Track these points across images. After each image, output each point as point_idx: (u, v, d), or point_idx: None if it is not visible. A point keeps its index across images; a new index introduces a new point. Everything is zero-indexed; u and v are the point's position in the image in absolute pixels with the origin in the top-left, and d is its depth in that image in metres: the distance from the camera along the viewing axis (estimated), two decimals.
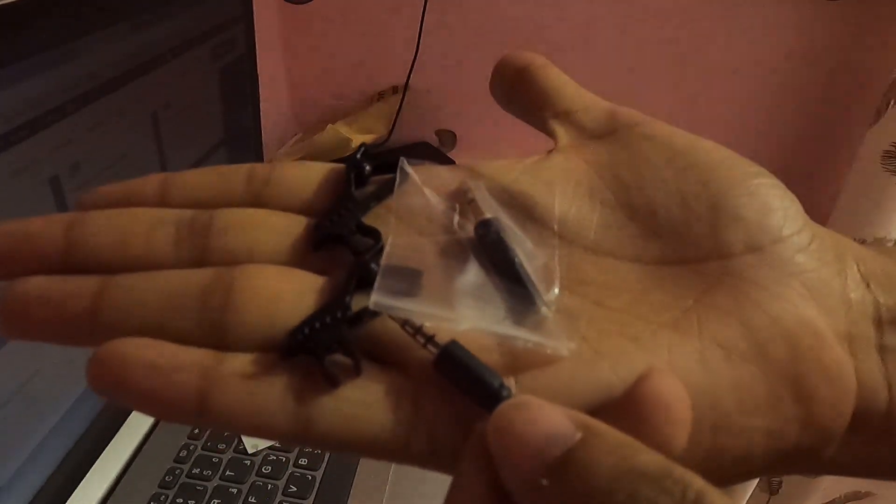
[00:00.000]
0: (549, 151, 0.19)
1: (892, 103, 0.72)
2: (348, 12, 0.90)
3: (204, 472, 0.43)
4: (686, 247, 0.16)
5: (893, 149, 0.73)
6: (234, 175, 0.17)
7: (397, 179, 0.17)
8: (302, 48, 0.95)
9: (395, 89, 0.94)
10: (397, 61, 0.90)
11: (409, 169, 0.17)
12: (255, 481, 0.43)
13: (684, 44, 0.84)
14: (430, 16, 0.86)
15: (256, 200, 0.17)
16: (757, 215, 0.16)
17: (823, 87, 0.83)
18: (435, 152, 0.95)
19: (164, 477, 0.42)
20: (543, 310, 0.14)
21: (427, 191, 0.17)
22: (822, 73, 0.82)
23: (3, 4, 0.29)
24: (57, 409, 0.39)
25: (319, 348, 0.13)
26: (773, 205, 0.16)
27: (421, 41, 0.88)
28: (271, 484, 0.43)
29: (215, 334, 0.14)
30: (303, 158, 0.84)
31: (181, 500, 0.41)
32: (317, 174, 0.17)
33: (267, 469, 0.43)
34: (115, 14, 0.38)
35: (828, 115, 0.84)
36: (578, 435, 0.11)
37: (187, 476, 0.43)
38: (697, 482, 0.11)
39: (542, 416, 0.12)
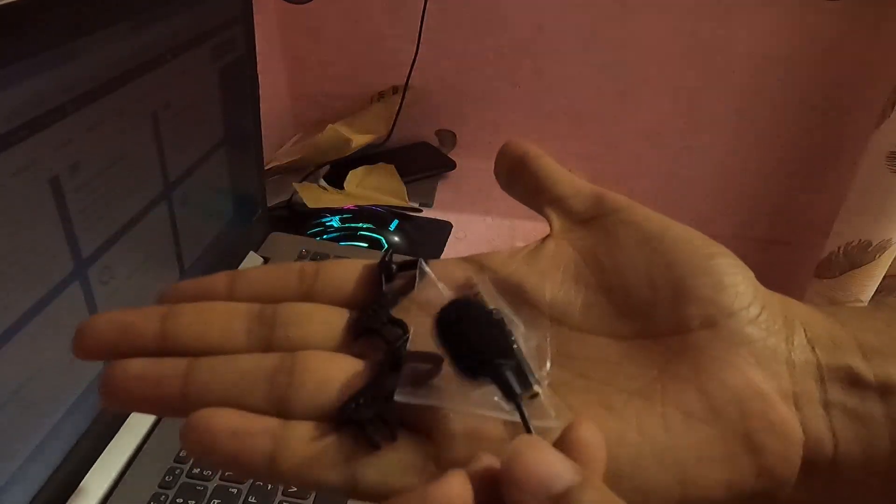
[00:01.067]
0: (544, 238, 0.22)
1: None
2: (348, 12, 0.90)
3: (204, 472, 0.43)
4: (653, 323, 0.19)
5: None
6: (288, 273, 0.21)
7: (417, 277, 0.21)
8: (302, 48, 0.95)
9: (395, 89, 0.94)
10: (397, 61, 0.90)
11: (427, 268, 0.21)
12: (254, 481, 0.43)
13: (685, 44, 0.84)
14: (430, 16, 0.86)
15: (308, 295, 0.20)
16: (711, 293, 0.18)
17: (828, 88, 0.82)
18: (435, 152, 0.95)
19: (164, 477, 0.42)
20: (536, 388, 0.17)
21: (441, 285, 0.20)
22: (826, 74, 0.82)
23: (3, 4, 0.29)
24: (57, 409, 0.39)
25: (363, 420, 0.17)
26: (725, 283, 0.18)
27: (421, 41, 0.88)
28: (271, 484, 0.43)
29: (281, 406, 0.18)
30: (303, 158, 0.84)
31: (181, 500, 0.41)
32: (354, 271, 0.21)
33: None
34: (115, 14, 0.38)
35: (833, 116, 0.84)
36: (578, 478, 0.14)
37: (187, 476, 0.43)
38: None
39: (552, 456, 0.14)
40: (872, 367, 0.18)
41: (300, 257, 0.64)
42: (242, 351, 0.19)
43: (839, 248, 0.82)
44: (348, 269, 0.21)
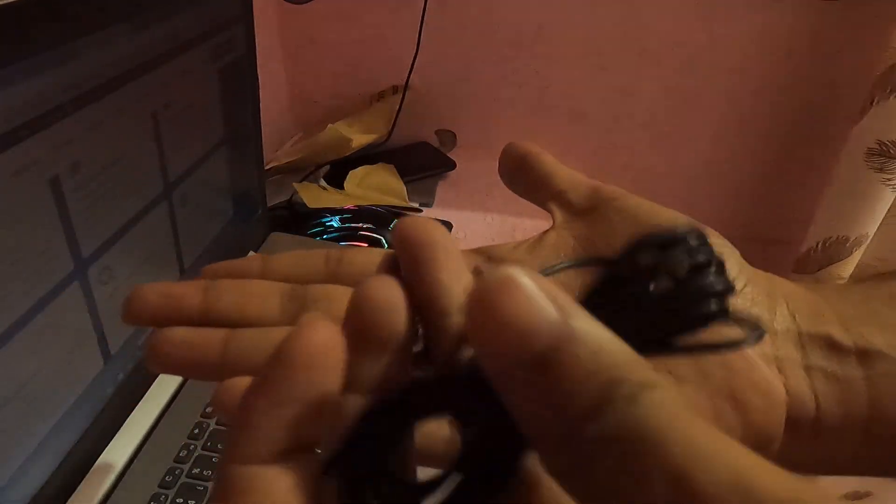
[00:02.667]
0: (546, 230, 0.23)
1: (875, 101, 0.72)
2: (348, 12, 0.90)
3: (204, 472, 0.43)
4: None
5: (878, 146, 0.73)
6: (316, 258, 0.22)
7: None
8: (302, 48, 0.95)
9: (395, 89, 0.94)
10: (397, 61, 0.90)
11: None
12: None
13: (682, 44, 0.84)
14: (430, 16, 0.86)
15: (333, 277, 0.22)
16: None
17: (807, 85, 0.83)
18: (435, 152, 0.95)
19: (164, 477, 0.42)
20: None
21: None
22: (805, 72, 0.82)
23: (3, 4, 0.29)
24: (57, 409, 0.39)
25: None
26: None
27: (421, 41, 0.88)
28: None
29: None
30: (303, 158, 0.84)
31: (181, 500, 0.41)
32: (376, 258, 0.22)
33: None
34: (115, 14, 0.38)
35: (812, 113, 0.84)
36: (565, 329, 0.11)
37: (187, 476, 0.43)
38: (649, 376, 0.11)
39: (529, 302, 0.11)
40: (851, 334, 0.19)
41: None
42: (276, 325, 0.20)
43: (818, 244, 0.82)
44: (370, 256, 0.22)
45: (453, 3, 0.86)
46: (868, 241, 0.81)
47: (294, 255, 0.22)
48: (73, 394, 0.40)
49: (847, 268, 0.83)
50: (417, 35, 0.87)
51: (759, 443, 0.18)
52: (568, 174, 0.24)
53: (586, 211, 0.23)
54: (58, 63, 0.34)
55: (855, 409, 0.18)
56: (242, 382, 0.18)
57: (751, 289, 0.20)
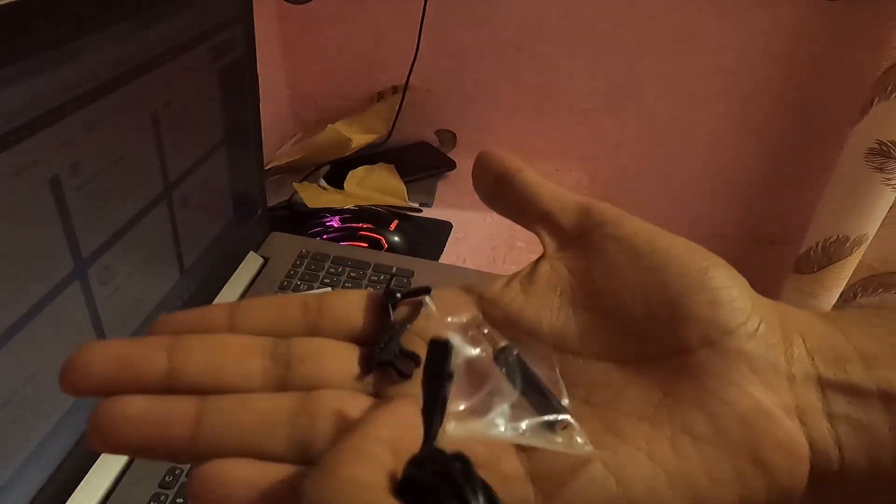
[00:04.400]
0: (538, 260, 0.22)
1: (876, 101, 0.72)
2: (348, 12, 0.90)
3: None
4: (652, 345, 0.19)
5: (877, 146, 0.73)
6: (291, 306, 0.20)
7: (423, 307, 0.21)
8: (302, 48, 0.95)
9: (395, 89, 0.94)
10: (397, 61, 0.90)
11: (432, 304, 0.21)
12: None
13: (682, 43, 0.84)
14: (430, 16, 0.86)
15: (313, 329, 0.19)
16: (708, 311, 0.18)
17: (808, 85, 0.83)
18: (435, 152, 0.95)
19: (164, 477, 0.42)
20: (570, 419, 0.17)
21: (448, 320, 0.20)
22: (807, 71, 0.82)
23: (3, 4, 0.29)
24: (57, 409, 0.39)
25: (391, 358, 0.18)
26: (721, 299, 0.18)
27: (421, 41, 0.88)
28: None
29: (304, 452, 0.16)
30: (303, 158, 0.84)
31: (181, 500, 0.41)
32: (358, 303, 0.20)
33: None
34: (115, 14, 0.38)
35: (812, 113, 0.84)
36: None
37: (187, 476, 0.43)
38: None
39: None
40: (874, 376, 0.18)
41: (300, 257, 0.64)
42: (257, 390, 0.18)
43: (817, 244, 0.83)
44: (352, 302, 0.20)
45: (453, 3, 0.86)
46: (868, 241, 0.81)
47: (266, 302, 0.20)
48: None
49: (847, 268, 0.83)
50: (417, 35, 0.87)
51: (780, 498, 0.17)
52: (553, 193, 0.22)
53: (578, 236, 0.21)
54: (58, 63, 0.34)
55: (882, 459, 0.17)
56: (226, 468, 0.15)
57: (764, 328, 0.18)
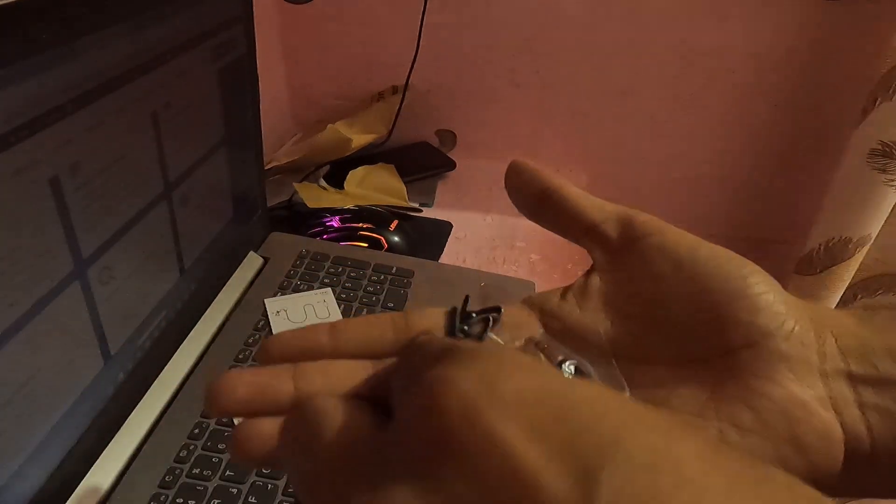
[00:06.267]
0: (588, 272, 0.24)
1: (878, 101, 0.72)
2: (348, 12, 0.90)
3: (204, 472, 0.43)
4: (698, 348, 0.21)
5: (880, 147, 0.73)
6: (381, 325, 0.22)
7: (490, 325, 0.22)
8: (302, 48, 0.95)
9: (395, 89, 0.94)
10: (397, 61, 0.90)
11: (500, 321, 0.22)
12: (255, 481, 0.43)
13: (683, 43, 0.84)
14: (430, 16, 0.86)
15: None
16: (749, 316, 0.20)
17: (809, 86, 0.83)
18: (435, 152, 0.95)
19: (164, 477, 0.42)
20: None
21: (507, 337, 0.22)
22: (807, 73, 0.82)
23: (2, 4, 0.29)
24: (57, 409, 0.39)
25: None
26: (760, 304, 0.20)
27: (421, 41, 0.88)
28: (271, 484, 0.43)
29: None
30: (303, 158, 0.84)
31: (181, 500, 0.41)
32: (438, 318, 0.22)
33: (267, 469, 0.43)
34: (115, 14, 0.38)
35: (815, 114, 0.84)
36: None
37: (187, 476, 0.43)
38: None
39: None
40: None
41: (300, 257, 0.64)
42: None
43: (820, 245, 0.83)
44: (432, 318, 0.23)
45: (453, 3, 0.86)
46: (871, 241, 0.81)
47: (361, 322, 0.23)
48: (73, 394, 0.40)
49: (849, 269, 0.83)
50: (417, 35, 0.87)
51: (818, 479, 0.19)
52: (596, 205, 0.24)
53: (624, 247, 0.23)
54: (58, 63, 0.34)
55: None
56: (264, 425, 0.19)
57: (799, 329, 0.20)
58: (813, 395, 0.19)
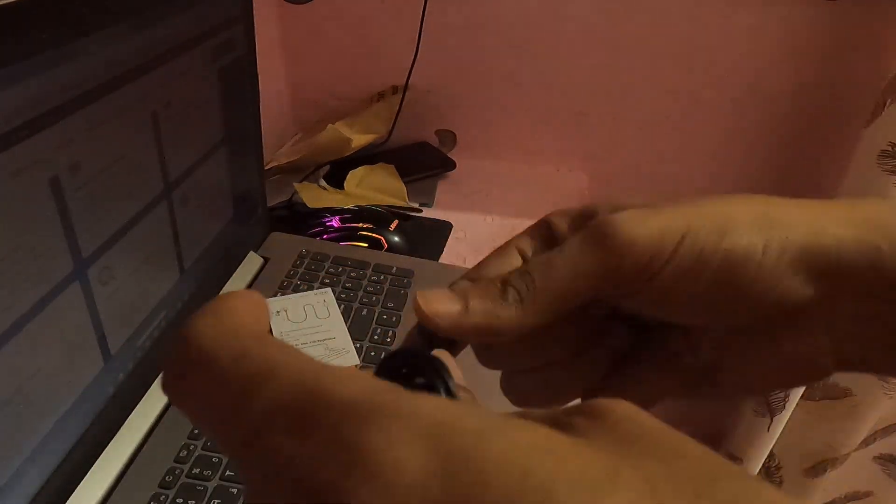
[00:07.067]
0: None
1: (888, 103, 0.72)
2: (348, 12, 0.90)
3: (204, 472, 0.43)
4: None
5: (890, 148, 0.73)
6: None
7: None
8: (302, 48, 0.95)
9: (395, 89, 0.94)
10: (397, 61, 0.90)
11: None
12: None
13: (684, 44, 0.84)
14: (430, 16, 0.86)
15: None
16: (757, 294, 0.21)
17: (820, 86, 0.83)
18: (435, 152, 0.95)
19: (164, 477, 0.42)
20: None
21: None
22: (818, 73, 0.82)
23: (3, 4, 0.29)
24: (57, 409, 0.39)
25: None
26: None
27: (421, 41, 0.88)
28: None
29: None
30: (303, 158, 0.84)
31: (181, 500, 0.41)
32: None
33: None
34: (115, 14, 0.38)
35: (824, 115, 0.84)
36: None
37: (187, 476, 0.43)
38: None
39: None
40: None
41: (300, 257, 0.64)
42: None
43: None
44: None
45: (453, 3, 0.86)
46: None
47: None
48: (73, 394, 0.40)
49: None
50: (417, 35, 0.87)
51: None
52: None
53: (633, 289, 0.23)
54: (58, 63, 0.34)
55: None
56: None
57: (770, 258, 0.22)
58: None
